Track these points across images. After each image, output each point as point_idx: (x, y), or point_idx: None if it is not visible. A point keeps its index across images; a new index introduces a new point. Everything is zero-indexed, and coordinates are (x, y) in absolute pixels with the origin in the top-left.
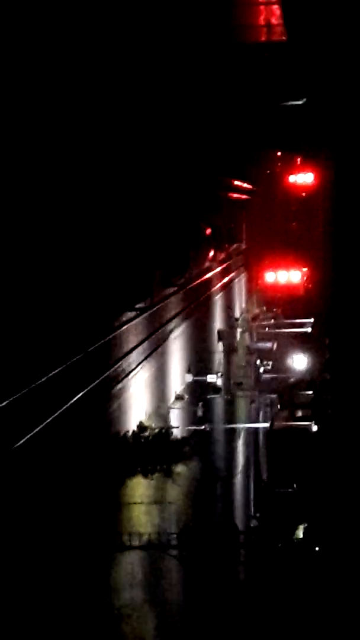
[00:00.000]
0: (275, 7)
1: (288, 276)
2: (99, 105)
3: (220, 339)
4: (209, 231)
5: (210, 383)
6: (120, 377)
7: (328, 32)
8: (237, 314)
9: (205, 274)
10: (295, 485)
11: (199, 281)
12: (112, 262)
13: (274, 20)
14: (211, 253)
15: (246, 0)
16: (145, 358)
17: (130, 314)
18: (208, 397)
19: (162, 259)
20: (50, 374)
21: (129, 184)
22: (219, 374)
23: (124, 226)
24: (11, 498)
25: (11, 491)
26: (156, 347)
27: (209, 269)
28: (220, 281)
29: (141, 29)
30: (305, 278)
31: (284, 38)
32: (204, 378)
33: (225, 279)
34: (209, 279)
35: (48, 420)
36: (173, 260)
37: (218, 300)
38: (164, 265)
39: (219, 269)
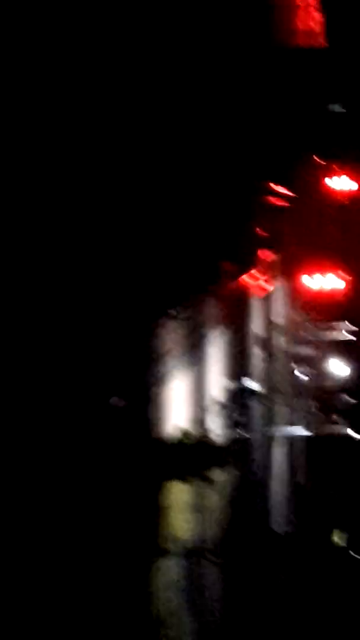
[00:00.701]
0: (315, 12)
1: (329, 282)
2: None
3: (258, 343)
4: (261, 233)
5: (248, 388)
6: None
7: None
8: (276, 319)
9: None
10: (334, 492)
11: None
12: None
13: (313, 25)
14: (262, 255)
15: (286, 4)
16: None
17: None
18: (246, 402)
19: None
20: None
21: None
22: (257, 380)
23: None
24: (50, 500)
25: (50, 494)
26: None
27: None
28: (260, 284)
29: (180, 30)
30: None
31: (324, 43)
32: (242, 383)
33: (265, 283)
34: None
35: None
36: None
37: (257, 304)
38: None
39: (258, 272)
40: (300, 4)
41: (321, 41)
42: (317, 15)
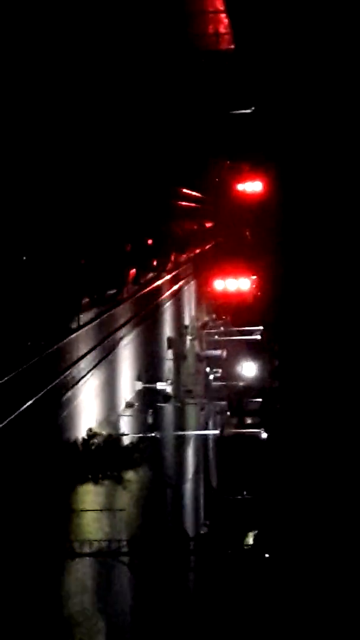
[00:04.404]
0: (223, 15)
1: (237, 284)
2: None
3: (169, 346)
4: (150, 241)
5: (160, 390)
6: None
7: (276, 41)
8: (186, 321)
9: (152, 283)
10: (245, 492)
11: (147, 289)
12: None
13: (222, 29)
14: (154, 263)
15: (195, 10)
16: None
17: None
18: (158, 404)
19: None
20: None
21: (77, 196)
22: (169, 382)
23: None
24: None
25: None
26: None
27: (157, 278)
28: (169, 289)
29: (95, 39)
30: (254, 286)
31: (232, 46)
32: (154, 385)
33: (174, 287)
34: (158, 286)
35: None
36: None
37: (167, 308)
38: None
39: (168, 277)
40: (209, 9)
41: (229, 45)
42: (225, 20)
